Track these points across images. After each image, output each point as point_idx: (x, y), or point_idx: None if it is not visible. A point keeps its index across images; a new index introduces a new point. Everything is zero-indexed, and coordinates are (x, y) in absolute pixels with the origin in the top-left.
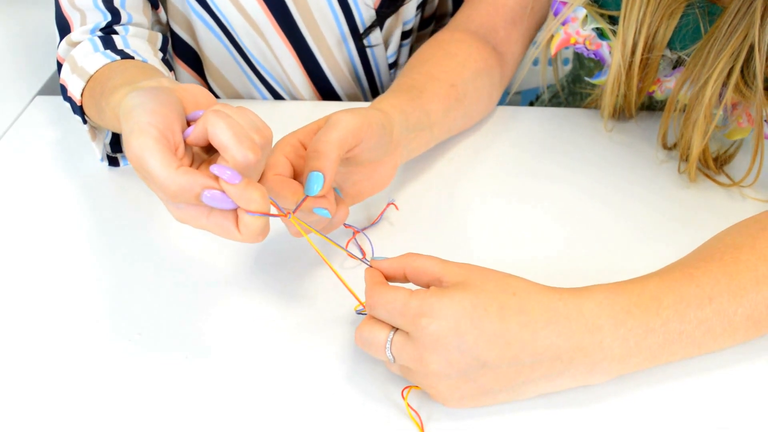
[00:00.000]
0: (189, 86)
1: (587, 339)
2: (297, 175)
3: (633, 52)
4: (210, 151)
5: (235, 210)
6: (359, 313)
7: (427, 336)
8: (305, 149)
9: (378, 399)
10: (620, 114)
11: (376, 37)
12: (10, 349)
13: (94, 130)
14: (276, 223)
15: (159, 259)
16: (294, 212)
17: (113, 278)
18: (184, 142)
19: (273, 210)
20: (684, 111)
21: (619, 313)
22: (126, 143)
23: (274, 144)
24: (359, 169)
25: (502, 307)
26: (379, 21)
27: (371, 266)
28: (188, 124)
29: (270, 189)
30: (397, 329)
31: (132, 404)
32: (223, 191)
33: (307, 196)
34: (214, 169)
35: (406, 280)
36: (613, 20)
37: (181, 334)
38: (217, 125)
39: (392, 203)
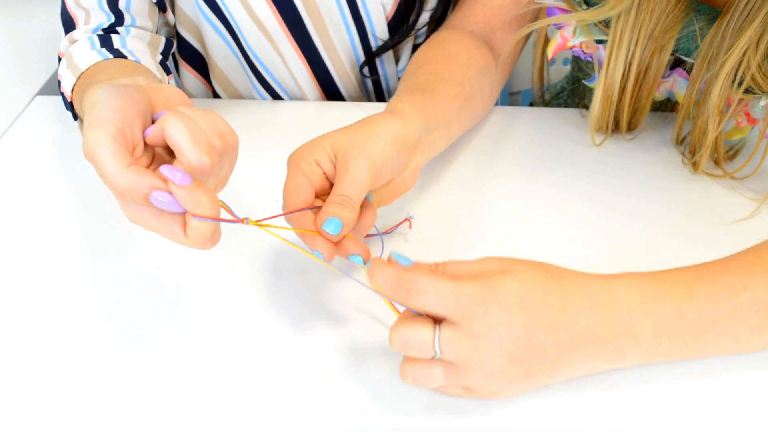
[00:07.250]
0: (163, 86)
1: (619, 322)
2: (317, 195)
3: (623, 88)
4: (173, 152)
5: (185, 214)
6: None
7: (480, 326)
8: (319, 166)
9: (378, 397)
10: (613, 129)
11: (387, 54)
12: (9, 350)
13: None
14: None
15: (160, 260)
16: (260, 221)
17: (113, 279)
18: (144, 141)
19: (227, 216)
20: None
21: (650, 299)
22: (83, 137)
23: (289, 157)
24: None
25: (546, 293)
26: (392, 46)
27: (399, 264)
28: (153, 123)
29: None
30: (442, 324)
31: (132, 406)
32: (172, 193)
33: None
34: (164, 170)
35: None
36: (607, 25)
37: (182, 335)
38: (174, 126)
39: (408, 219)
